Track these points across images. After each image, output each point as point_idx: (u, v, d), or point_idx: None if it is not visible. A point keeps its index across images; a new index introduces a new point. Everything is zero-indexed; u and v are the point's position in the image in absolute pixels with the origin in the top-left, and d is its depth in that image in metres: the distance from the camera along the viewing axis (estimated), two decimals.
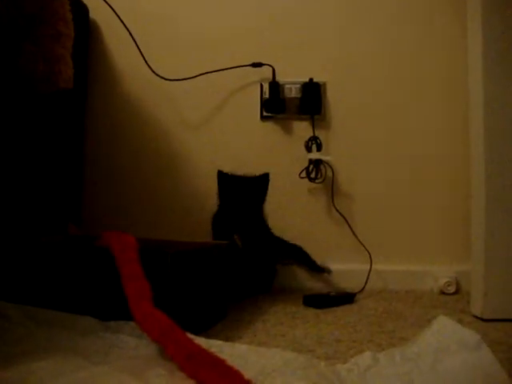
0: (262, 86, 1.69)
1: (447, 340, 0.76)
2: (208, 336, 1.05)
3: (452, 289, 1.55)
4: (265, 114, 1.69)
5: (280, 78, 1.67)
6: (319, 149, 1.65)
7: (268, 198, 1.53)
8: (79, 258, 1.08)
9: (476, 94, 1.26)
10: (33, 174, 1.39)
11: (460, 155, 1.58)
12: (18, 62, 1.09)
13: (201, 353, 0.78)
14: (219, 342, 0.89)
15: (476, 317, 1.24)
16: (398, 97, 1.67)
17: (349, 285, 1.55)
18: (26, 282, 1.08)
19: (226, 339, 1.05)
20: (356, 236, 1.63)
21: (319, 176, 1.65)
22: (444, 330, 0.78)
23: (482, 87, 1.23)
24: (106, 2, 1.60)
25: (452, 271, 1.58)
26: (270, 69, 1.67)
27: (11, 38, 1.08)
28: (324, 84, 1.68)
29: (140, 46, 1.66)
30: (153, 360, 0.82)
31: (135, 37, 1.65)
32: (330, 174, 1.66)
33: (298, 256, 1.63)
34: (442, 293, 1.56)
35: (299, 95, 1.68)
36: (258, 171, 1.64)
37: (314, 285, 1.62)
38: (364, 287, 1.57)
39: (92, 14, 1.70)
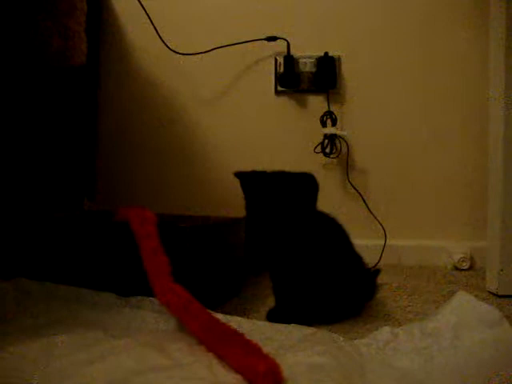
0: (276, 61, 1.67)
1: (467, 316, 0.76)
2: (225, 310, 1.07)
3: (466, 265, 1.55)
4: (279, 88, 1.67)
5: (295, 52, 1.65)
6: (334, 123, 1.64)
7: None
8: (98, 233, 1.09)
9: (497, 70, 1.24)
10: (48, 150, 1.39)
11: (478, 130, 1.56)
12: (33, 36, 1.09)
13: (220, 326, 0.79)
14: (238, 318, 0.90)
15: (491, 293, 1.24)
16: (415, 70, 1.64)
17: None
18: (46, 258, 1.10)
19: (243, 313, 1.07)
20: (371, 211, 1.63)
21: (334, 151, 1.64)
22: (464, 305, 0.79)
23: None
24: None
25: (466, 247, 1.57)
26: (285, 43, 1.64)
27: (27, 12, 1.08)
28: (339, 58, 1.66)
29: (153, 20, 1.64)
30: (173, 334, 0.83)
31: (148, 11, 1.63)
32: (344, 148, 1.64)
33: None
34: (456, 268, 1.55)
35: (314, 69, 1.65)
36: (271, 146, 1.62)
37: None
38: (378, 262, 1.57)
39: None
